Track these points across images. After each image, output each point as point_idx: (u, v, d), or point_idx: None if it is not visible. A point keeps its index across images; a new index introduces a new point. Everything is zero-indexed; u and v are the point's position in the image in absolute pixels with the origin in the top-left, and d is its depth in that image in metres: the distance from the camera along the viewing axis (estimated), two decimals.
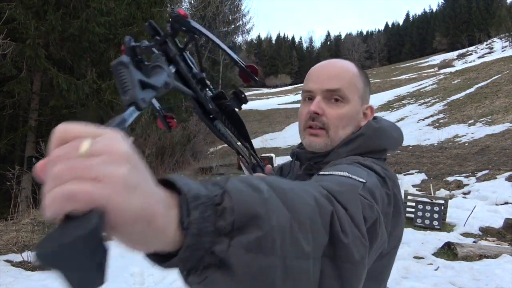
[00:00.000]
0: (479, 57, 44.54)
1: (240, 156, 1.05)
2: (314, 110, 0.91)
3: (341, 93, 0.91)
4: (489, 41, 57.41)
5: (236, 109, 0.96)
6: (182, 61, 0.84)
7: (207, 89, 0.91)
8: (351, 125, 0.93)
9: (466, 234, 5.16)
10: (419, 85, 29.84)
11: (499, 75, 22.36)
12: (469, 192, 7.41)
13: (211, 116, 0.94)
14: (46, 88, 10.22)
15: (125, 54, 0.80)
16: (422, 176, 9.25)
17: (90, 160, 0.33)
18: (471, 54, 51.96)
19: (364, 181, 0.69)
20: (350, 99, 0.92)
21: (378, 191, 0.71)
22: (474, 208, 5.56)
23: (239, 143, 1.04)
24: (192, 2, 26.25)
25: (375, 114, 1.02)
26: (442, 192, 7.41)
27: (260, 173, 1.08)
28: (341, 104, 0.91)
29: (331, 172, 0.72)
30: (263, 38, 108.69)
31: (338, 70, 0.93)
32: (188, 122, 17.59)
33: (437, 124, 16.75)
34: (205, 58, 25.16)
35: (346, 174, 0.70)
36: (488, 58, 35.76)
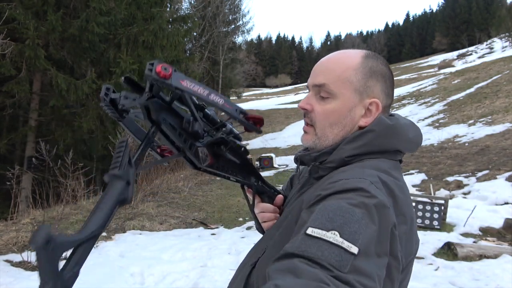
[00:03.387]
0: (479, 57, 44.52)
1: (245, 187, 1.00)
2: (301, 106, 0.89)
3: (327, 88, 0.85)
4: (489, 41, 57.38)
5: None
6: (170, 115, 0.76)
7: (204, 136, 0.83)
8: (341, 123, 0.85)
9: (466, 234, 5.16)
10: (419, 85, 29.85)
11: (499, 75, 22.36)
12: (469, 192, 7.40)
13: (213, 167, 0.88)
14: (46, 88, 10.22)
15: (103, 107, 0.77)
16: (422, 176, 9.25)
17: None
18: (471, 54, 51.93)
19: (356, 252, 0.61)
20: (338, 94, 0.84)
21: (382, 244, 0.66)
22: (474, 208, 5.56)
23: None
24: (192, 2, 26.26)
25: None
26: (442, 192, 7.41)
27: (268, 204, 1.01)
28: (328, 99, 0.85)
29: (320, 235, 0.63)
30: (263, 38, 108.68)
31: (329, 64, 0.87)
32: None
33: (437, 124, 16.75)
34: (205, 58, 25.17)
35: (336, 238, 0.62)
36: (488, 58, 35.78)
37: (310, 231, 0.64)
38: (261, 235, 1.02)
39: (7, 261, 4.09)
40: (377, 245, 0.64)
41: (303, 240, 0.63)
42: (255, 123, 0.81)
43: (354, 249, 0.61)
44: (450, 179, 8.54)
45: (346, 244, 0.61)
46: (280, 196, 1.02)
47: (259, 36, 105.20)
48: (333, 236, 0.62)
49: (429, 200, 5.64)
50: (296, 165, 1.03)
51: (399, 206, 0.74)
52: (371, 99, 0.85)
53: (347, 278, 0.58)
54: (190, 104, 0.77)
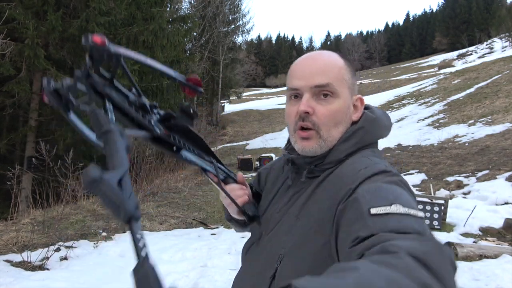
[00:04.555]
0: (479, 57, 44.54)
1: (207, 173, 0.98)
2: (305, 110, 0.84)
3: (331, 88, 0.85)
4: (489, 41, 57.40)
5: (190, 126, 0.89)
6: (114, 91, 0.77)
7: (154, 113, 0.84)
8: (343, 121, 0.87)
9: (466, 234, 5.16)
10: (419, 85, 29.84)
11: (499, 75, 22.36)
12: (469, 192, 7.40)
13: (174, 148, 0.88)
14: None
15: (47, 98, 0.75)
16: (422, 176, 9.25)
17: None
18: (471, 54, 51.95)
19: (422, 215, 0.65)
20: (340, 93, 0.86)
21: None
22: (474, 208, 5.56)
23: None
24: (192, 2, 26.26)
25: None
26: (442, 192, 7.41)
27: (233, 184, 1.01)
28: (330, 99, 0.85)
29: (387, 211, 0.63)
30: (263, 38, 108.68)
31: (324, 64, 0.87)
32: None
33: (437, 124, 16.75)
34: (205, 58, 25.16)
35: (402, 209, 0.63)
36: (488, 58, 35.78)
37: (374, 211, 0.63)
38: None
39: (7, 261, 4.09)
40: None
41: (373, 221, 0.62)
42: (195, 83, 0.84)
43: (421, 214, 0.65)
44: (450, 179, 8.54)
45: (413, 212, 0.64)
46: (240, 174, 1.05)
47: (259, 36, 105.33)
48: (399, 208, 0.63)
49: (429, 200, 5.64)
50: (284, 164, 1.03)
51: None
52: (357, 96, 0.91)
53: (433, 239, 0.58)
54: (130, 76, 0.79)
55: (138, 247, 0.50)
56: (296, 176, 0.94)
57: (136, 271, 0.47)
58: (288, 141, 0.99)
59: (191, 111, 0.86)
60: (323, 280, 0.45)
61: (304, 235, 0.81)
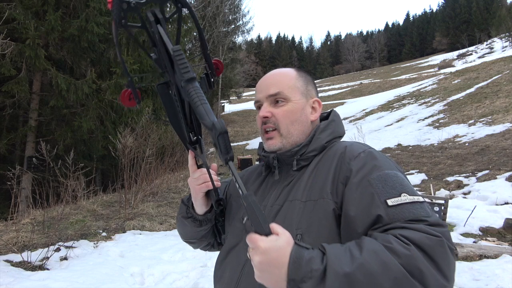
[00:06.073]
0: (479, 57, 44.52)
1: (196, 151, 1.07)
2: (264, 115, 1.06)
3: (282, 95, 1.05)
4: (489, 41, 57.37)
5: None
6: (163, 30, 0.87)
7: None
8: (299, 120, 1.06)
9: (466, 234, 5.16)
10: (419, 85, 29.84)
11: (499, 75, 22.35)
12: (469, 192, 7.40)
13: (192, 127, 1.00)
14: (46, 88, 10.21)
15: (111, 3, 0.81)
16: (422, 176, 9.24)
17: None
18: (471, 54, 51.93)
19: (422, 199, 0.83)
20: (291, 98, 1.06)
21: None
22: (474, 208, 5.56)
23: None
24: (192, 2, 26.24)
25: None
26: (442, 192, 7.41)
27: (203, 168, 1.10)
28: (283, 103, 1.06)
29: (399, 202, 0.82)
30: (263, 38, 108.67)
31: (276, 77, 1.09)
32: None
33: (437, 124, 16.74)
34: None
35: (409, 198, 0.83)
36: (488, 58, 35.77)
37: (391, 202, 0.83)
38: None
39: (7, 261, 4.09)
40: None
41: (391, 211, 0.81)
42: (217, 67, 0.99)
43: (420, 198, 0.84)
44: (450, 179, 8.54)
45: (416, 198, 0.83)
46: (214, 164, 1.16)
47: (259, 36, 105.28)
48: (407, 197, 0.83)
49: (429, 200, 5.62)
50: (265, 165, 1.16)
51: None
52: (314, 99, 1.11)
53: (435, 220, 0.80)
54: (180, 26, 0.93)
55: (240, 183, 0.74)
56: (280, 171, 1.08)
57: (247, 197, 0.71)
58: (261, 147, 1.15)
59: (212, 80, 0.98)
60: (341, 251, 0.74)
61: (319, 211, 0.92)
